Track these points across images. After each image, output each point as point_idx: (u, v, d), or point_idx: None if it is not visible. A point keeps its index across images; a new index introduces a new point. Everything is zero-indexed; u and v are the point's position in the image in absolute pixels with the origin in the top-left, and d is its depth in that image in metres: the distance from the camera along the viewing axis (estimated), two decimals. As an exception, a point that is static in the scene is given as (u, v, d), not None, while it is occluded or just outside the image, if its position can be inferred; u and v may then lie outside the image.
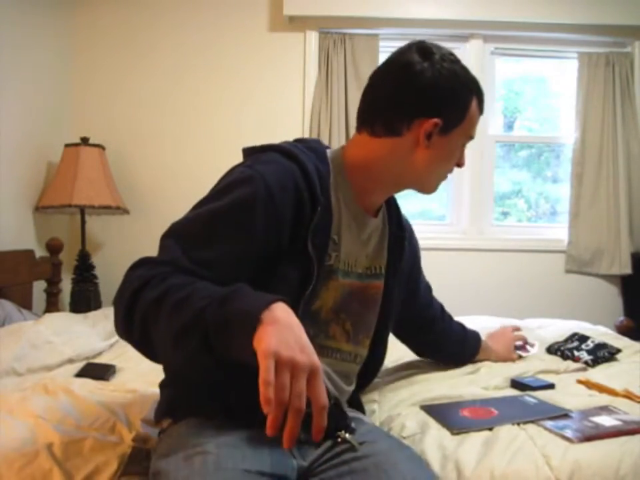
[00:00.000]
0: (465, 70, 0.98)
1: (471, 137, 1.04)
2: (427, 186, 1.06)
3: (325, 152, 1.02)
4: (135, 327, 0.76)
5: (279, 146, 0.95)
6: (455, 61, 0.97)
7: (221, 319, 0.68)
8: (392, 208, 1.14)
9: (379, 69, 1.00)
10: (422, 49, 0.96)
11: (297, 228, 0.90)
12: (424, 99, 0.95)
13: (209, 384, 0.91)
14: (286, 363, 0.62)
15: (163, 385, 1.03)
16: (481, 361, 1.49)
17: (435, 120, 0.94)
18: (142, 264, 0.80)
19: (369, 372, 1.15)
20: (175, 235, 0.83)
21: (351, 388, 1.10)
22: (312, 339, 0.94)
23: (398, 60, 0.97)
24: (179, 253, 0.80)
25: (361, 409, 1.14)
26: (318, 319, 0.98)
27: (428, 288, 1.39)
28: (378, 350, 1.14)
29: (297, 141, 1.03)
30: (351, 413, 1.05)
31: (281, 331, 0.65)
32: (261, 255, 0.86)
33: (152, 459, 0.89)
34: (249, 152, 0.98)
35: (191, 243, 0.82)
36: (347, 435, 0.90)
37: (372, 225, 1.06)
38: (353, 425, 0.95)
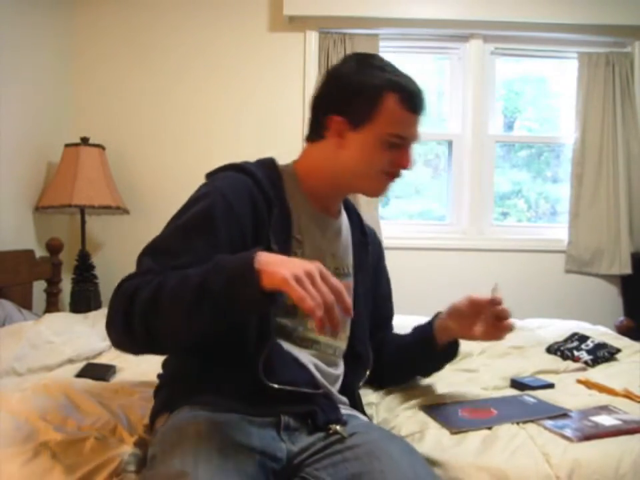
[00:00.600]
0: (383, 69, 1.01)
1: (399, 136, 1.01)
2: (362, 188, 1.10)
3: (275, 164, 1.09)
4: (135, 330, 0.80)
5: (232, 164, 1.05)
6: (373, 64, 1.02)
7: (222, 282, 0.75)
8: (352, 213, 1.21)
9: None
10: (350, 56, 1.08)
11: (258, 231, 0.96)
12: (330, 97, 1.04)
13: (201, 377, 0.96)
14: (302, 277, 0.72)
15: (157, 390, 1.07)
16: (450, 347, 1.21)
17: (337, 117, 1.01)
18: (124, 281, 0.86)
19: (359, 369, 1.16)
20: (149, 252, 0.90)
21: (339, 371, 1.11)
22: (291, 332, 1.00)
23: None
24: (154, 265, 0.87)
25: (360, 408, 1.14)
26: (296, 313, 1.02)
27: (387, 310, 1.35)
28: (359, 346, 1.15)
29: (255, 161, 1.11)
30: (345, 410, 1.05)
31: (280, 262, 0.74)
32: None
33: (149, 447, 0.91)
34: (209, 175, 1.07)
35: (164, 256, 0.88)
36: (338, 427, 0.92)
37: (334, 225, 1.12)
38: (344, 417, 0.97)
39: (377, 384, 1.29)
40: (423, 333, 1.21)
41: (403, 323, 2.09)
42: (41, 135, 2.64)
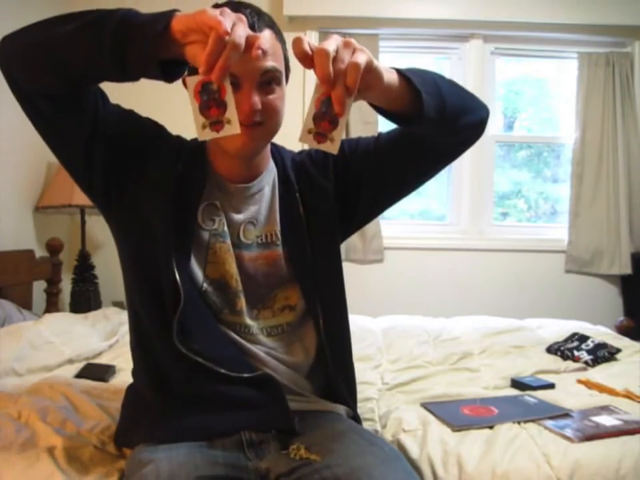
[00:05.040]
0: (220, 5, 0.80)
1: (231, 74, 0.77)
2: (224, 144, 0.93)
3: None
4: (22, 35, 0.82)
5: None
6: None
7: (133, 13, 0.72)
8: (278, 162, 1.06)
9: None
10: None
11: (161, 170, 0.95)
12: None
13: (160, 409, 0.91)
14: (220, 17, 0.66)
15: (122, 408, 1.05)
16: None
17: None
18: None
19: (334, 341, 1.01)
20: None
21: (302, 358, 1.01)
22: (218, 313, 0.94)
23: None
24: None
25: (352, 398, 1.05)
26: (226, 290, 0.96)
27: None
28: (327, 309, 1.00)
29: None
30: (325, 405, 1.00)
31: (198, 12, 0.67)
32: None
33: None
34: None
35: None
36: (303, 452, 0.85)
37: (247, 191, 1.00)
38: (296, 420, 0.91)
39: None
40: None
41: (403, 322, 2.11)
42: (40, 135, 2.64)
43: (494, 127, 3.09)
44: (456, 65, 3.07)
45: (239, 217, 0.99)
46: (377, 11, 2.82)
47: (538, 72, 3.22)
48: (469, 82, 3.00)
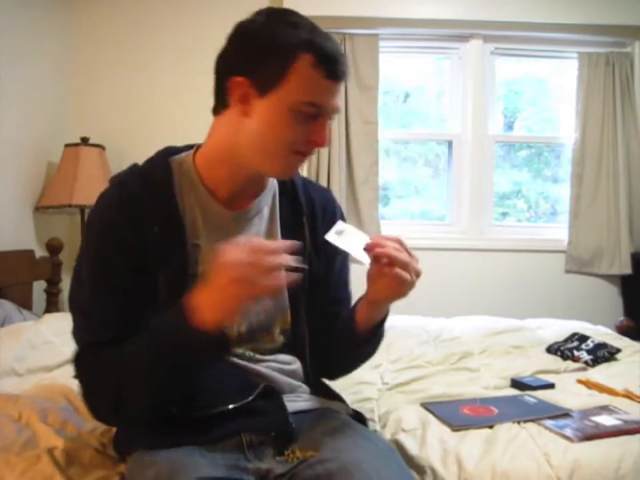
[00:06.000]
0: (296, 27, 0.85)
1: (313, 105, 0.84)
2: (266, 168, 0.91)
3: (166, 161, 0.95)
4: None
5: (113, 177, 0.98)
6: (285, 20, 0.86)
7: (178, 358, 0.79)
8: (287, 189, 1.02)
9: None
10: (267, 11, 0.89)
11: (147, 255, 0.87)
12: (233, 55, 0.87)
13: (160, 421, 0.89)
14: (239, 287, 0.75)
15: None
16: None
17: (239, 77, 0.84)
18: (79, 365, 0.88)
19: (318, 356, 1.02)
20: (80, 325, 0.91)
21: (297, 365, 1.01)
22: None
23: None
24: (90, 336, 0.88)
25: (330, 394, 1.05)
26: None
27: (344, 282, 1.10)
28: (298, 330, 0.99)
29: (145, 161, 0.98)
30: (322, 402, 1.00)
31: (209, 301, 0.76)
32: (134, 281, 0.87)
33: None
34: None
35: (91, 322, 0.88)
36: (298, 453, 0.85)
37: (244, 217, 0.96)
38: (293, 425, 0.90)
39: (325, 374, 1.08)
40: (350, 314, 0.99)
41: (403, 322, 2.10)
42: (41, 135, 2.64)
43: (494, 126, 3.09)
44: (456, 65, 3.06)
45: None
46: (377, 10, 2.82)
47: (538, 72, 3.22)
48: (468, 82, 3.00)
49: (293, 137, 0.86)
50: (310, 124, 0.86)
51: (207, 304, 0.76)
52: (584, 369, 1.52)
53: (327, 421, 0.93)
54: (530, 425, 1.05)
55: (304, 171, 2.91)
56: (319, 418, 0.95)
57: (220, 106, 0.91)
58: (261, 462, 0.86)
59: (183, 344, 0.77)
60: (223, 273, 0.74)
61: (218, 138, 0.93)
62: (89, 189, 2.49)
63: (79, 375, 0.87)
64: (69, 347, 1.63)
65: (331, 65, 0.84)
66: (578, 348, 1.62)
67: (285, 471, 0.84)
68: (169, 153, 0.98)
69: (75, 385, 1.30)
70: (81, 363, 0.87)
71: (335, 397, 1.05)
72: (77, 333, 0.90)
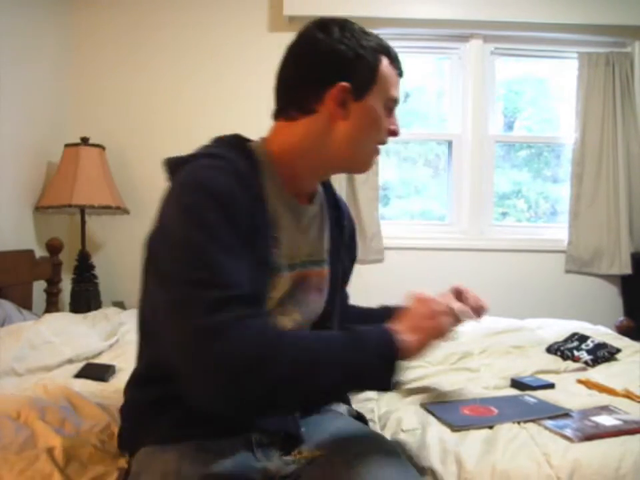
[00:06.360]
0: (366, 33, 0.96)
1: (394, 100, 0.97)
2: (356, 163, 1.00)
3: (247, 146, 0.98)
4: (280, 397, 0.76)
5: (201, 152, 0.92)
6: (355, 28, 0.96)
7: (380, 374, 0.81)
8: (328, 190, 1.11)
9: (284, 53, 1.00)
10: (320, 23, 0.96)
11: (251, 232, 0.85)
12: (327, 66, 0.92)
13: (173, 416, 0.88)
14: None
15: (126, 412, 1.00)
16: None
17: (343, 83, 0.91)
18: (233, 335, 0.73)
19: None
20: (186, 281, 0.76)
21: None
22: None
23: (297, 38, 0.97)
24: (245, 310, 0.75)
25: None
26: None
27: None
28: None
29: (216, 140, 0.99)
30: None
31: (412, 329, 0.85)
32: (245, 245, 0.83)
33: None
34: (176, 166, 0.91)
35: (213, 273, 0.76)
36: (306, 453, 0.87)
37: (308, 213, 1.01)
38: (302, 429, 0.91)
39: None
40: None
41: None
42: (41, 135, 2.64)
43: (494, 126, 3.09)
44: (456, 65, 3.07)
45: (298, 239, 0.98)
46: (377, 11, 2.82)
47: (538, 72, 3.22)
48: (468, 82, 3.00)
49: (385, 130, 0.97)
50: (389, 117, 0.97)
51: (411, 338, 0.83)
52: (584, 369, 1.52)
53: (333, 421, 0.95)
54: (530, 425, 1.05)
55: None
56: (324, 418, 0.96)
57: (300, 112, 0.95)
58: (269, 461, 0.87)
59: (382, 353, 0.80)
60: (428, 318, 0.88)
61: (295, 140, 0.96)
62: (89, 189, 2.49)
63: (233, 344, 0.72)
64: (68, 347, 1.65)
65: (398, 63, 0.98)
66: (578, 348, 1.62)
67: (291, 471, 0.85)
68: (240, 138, 1.01)
69: (74, 384, 1.31)
70: (235, 332, 0.72)
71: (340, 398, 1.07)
72: (201, 301, 0.74)
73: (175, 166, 0.91)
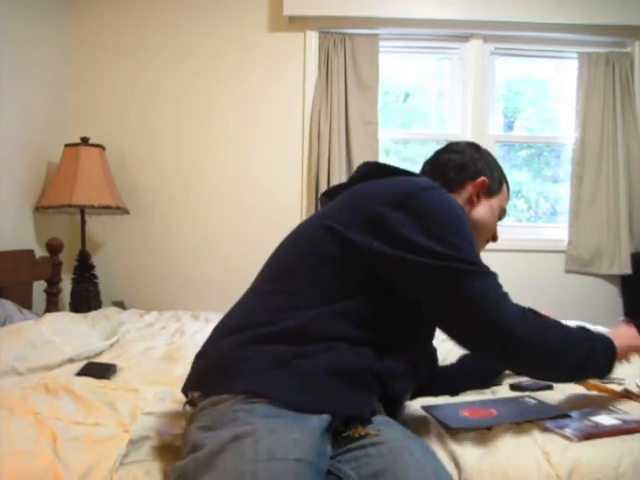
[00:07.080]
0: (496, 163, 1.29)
1: (504, 212, 1.26)
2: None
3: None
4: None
5: (433, 185, 1.10)
6: (490, 154, 1.28)
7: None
8: None
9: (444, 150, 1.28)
10: (473, 145, 1.28)
11: None
12: (476, 165, 1.22)
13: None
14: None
15: (200, 356, 1.01)
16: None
17: (484, 178, 1.19)
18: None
19: None
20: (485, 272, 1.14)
21: None
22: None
23: (456, 151, 1.26)
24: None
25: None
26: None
27: None
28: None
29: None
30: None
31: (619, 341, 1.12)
32: None
33: (188, 427, 0.88)
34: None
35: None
36: (360, 428, 0.89)
37: None
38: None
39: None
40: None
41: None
42: (40, 135, 2.64)
43: (494, 126, 3.09)
44: (456, 65, 3.07)
45: None
46: (377, 10, 2.83)
47: (538, 72, 3.22)
48: (468, 82, 3.00)
49: (494, 228, 1.25)
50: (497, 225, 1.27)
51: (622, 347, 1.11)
52: (584, 369, 1.51)
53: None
54: (529, 426, 1.05)
55: (304, 171, 2.92)
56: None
57: (451, 184, 1.20)
58: (331, 446, 0.87)
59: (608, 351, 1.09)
60: (635, 338, 1.16)
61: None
62: (89, 189, 2.50)
63: (541, 335, 1.02)
64: (69, 346, 1.65)
65: (509, 192, 1.29)
66: (578, 348, 1.62)
67: (342, 450, 0.88)
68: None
69: (75, 382, 1.31)
70: (532, 324, 1.06)
71: None
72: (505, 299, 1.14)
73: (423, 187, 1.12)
